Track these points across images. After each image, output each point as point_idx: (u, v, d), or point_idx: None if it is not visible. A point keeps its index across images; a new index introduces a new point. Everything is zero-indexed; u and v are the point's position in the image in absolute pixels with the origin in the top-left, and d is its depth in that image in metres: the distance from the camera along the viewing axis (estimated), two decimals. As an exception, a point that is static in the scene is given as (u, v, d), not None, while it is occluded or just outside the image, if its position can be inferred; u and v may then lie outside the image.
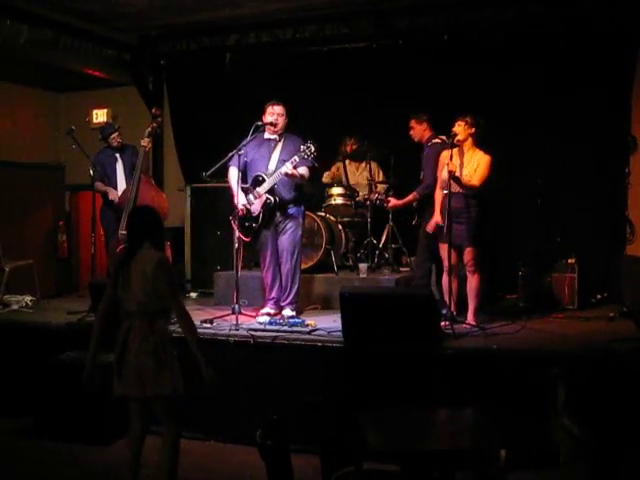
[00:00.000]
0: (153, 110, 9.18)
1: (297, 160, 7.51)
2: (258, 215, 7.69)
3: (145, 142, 8.72)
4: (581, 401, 2.31)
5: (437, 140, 8.18)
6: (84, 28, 10.41)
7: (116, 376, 5.02)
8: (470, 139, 7.32)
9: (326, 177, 10.03)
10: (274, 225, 7.78)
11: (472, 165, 7.23)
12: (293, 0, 9.63)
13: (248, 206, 7.69)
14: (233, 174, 7.73)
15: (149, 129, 8.81)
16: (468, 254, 7.27)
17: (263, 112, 7.79)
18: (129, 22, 10.56)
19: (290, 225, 7.79)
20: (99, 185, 8.75)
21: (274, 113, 7.74)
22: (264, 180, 7.65)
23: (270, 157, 7.76)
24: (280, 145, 7.81)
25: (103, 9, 9.82)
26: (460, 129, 7.27)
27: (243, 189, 7.78)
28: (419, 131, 8.34)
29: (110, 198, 8.76)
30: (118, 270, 5.11)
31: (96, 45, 10.77)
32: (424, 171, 8.16)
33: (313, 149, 7.50)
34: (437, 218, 7.44)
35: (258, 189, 7.66)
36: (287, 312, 7.78)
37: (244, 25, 10.63)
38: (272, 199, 7.65)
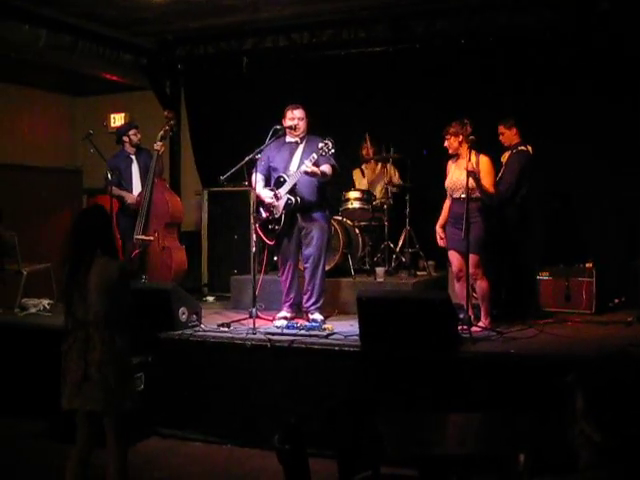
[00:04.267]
0: (166, 113, 9.22)
1: (315, 157, 7.53)
2: (280, 217, 7.71)
3: (158, 145, 8.76)
4: (601, 407, 2.29)
5: (523, 148, 8.24)
6: (102, 33, 10.47)
7: (73, 388, 4.76)
8: (465, 145, 7.27)
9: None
10: (297, 229, 7.78)
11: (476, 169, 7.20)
12: (310, 4, 9.63)
13: (275, 203, 7.69)
14: (254, 178, 7.72)
15: (162, 132, 8.85)
16: (472, 260, 7.21)
17: (283, 116, 7.81)
18: (146, 27, 10.59)
19: (316, 232, 7.78)
20: (115, 190, 8.77)
21: (294, 117, 7.75)
22: (285, 181, 7.68)
23: (291, 159, 7.79)
24: (301, 147, 7.82)
25: (121, 14, 9.85)
26: (451, 142, 7.27)
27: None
28: (509, 136, 8.33)
29: (128, 202, 8.78)
30: (72, 281, 4.84)
31: (114, 49, 10.82)
32: (502, 174, 8.14)
33: (331, 145, 7.52)
34: (439, 225, 7.53)
35: (279, 190, 7.68)
36: (317, 316, 7.77)
37: (261, 29, 10.64)
38: (293, 199, 7.64)
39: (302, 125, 7.80)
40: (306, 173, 7.52)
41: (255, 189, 7.70)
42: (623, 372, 2.37)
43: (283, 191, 7.66)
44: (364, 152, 9.97)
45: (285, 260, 7.90)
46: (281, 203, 7.68)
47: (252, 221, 7.76)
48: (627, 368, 2.39)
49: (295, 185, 7.65)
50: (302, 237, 7.80)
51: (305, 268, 7.88)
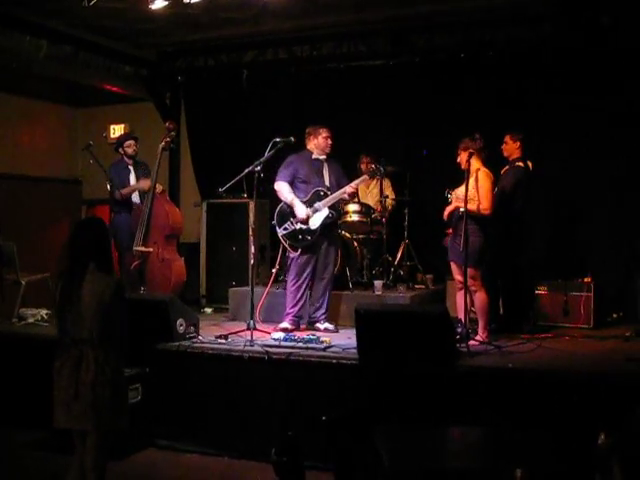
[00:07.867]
0: (167, 124, 9.22)
1: (367, 178, 8.38)
2: (316, 229, 7.90)
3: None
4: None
5: (520, 164, 8.19)
6: (102, 44, 10.48)
7: (63, 407, 4.67)
8: (473, 159, 7.25)
9: None
10: (322, 243, 8.05)
11: (471, 182, 7.16)
12: (310, 18, 9.65)
13: (311, 215, 7.91)
14: (285, 187, 7.98)
15: (162, 144, 8.86)
16: (468, 273, 7.18)
17: (311, 133, 8.11)
18: (147, 38, 10.63)
19: (336, 247, 8.25)
20: (127, 190, 8.86)
21: (328, 137, 8.13)
22: (326, 195, 7.94)
23: (323, 175, 8.09)
24: (326, 165, 8.14)
25: (121, 25, 9.86)
26: (461, 157, 7.27)
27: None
28: (511, 148, 8.28)
29: (145, 189, 8.87)
30: (64, 297, 4.74)
31: (114, 61, 10.83)
32: (497, 188, 8.09)
33: (383, 170, 8.32)
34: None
35: (320, 203, 7.93)
36: (328, 326, 8.07)
37: (261, 42, 10.67)
38: (334, 213, 7.99)
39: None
40: (348, 194, 8.05)
41: (285, 197, 7.97)
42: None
43: (324, 204, 7.92)
44: (362, 166, 9.85)
45: (302, 272, 8.03)
46: (321, 215, 7.93)
47: (251, 232, 7.86)
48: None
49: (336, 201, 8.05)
50: (324, 251, 8.05)
51: (322, 279, 8.10)
